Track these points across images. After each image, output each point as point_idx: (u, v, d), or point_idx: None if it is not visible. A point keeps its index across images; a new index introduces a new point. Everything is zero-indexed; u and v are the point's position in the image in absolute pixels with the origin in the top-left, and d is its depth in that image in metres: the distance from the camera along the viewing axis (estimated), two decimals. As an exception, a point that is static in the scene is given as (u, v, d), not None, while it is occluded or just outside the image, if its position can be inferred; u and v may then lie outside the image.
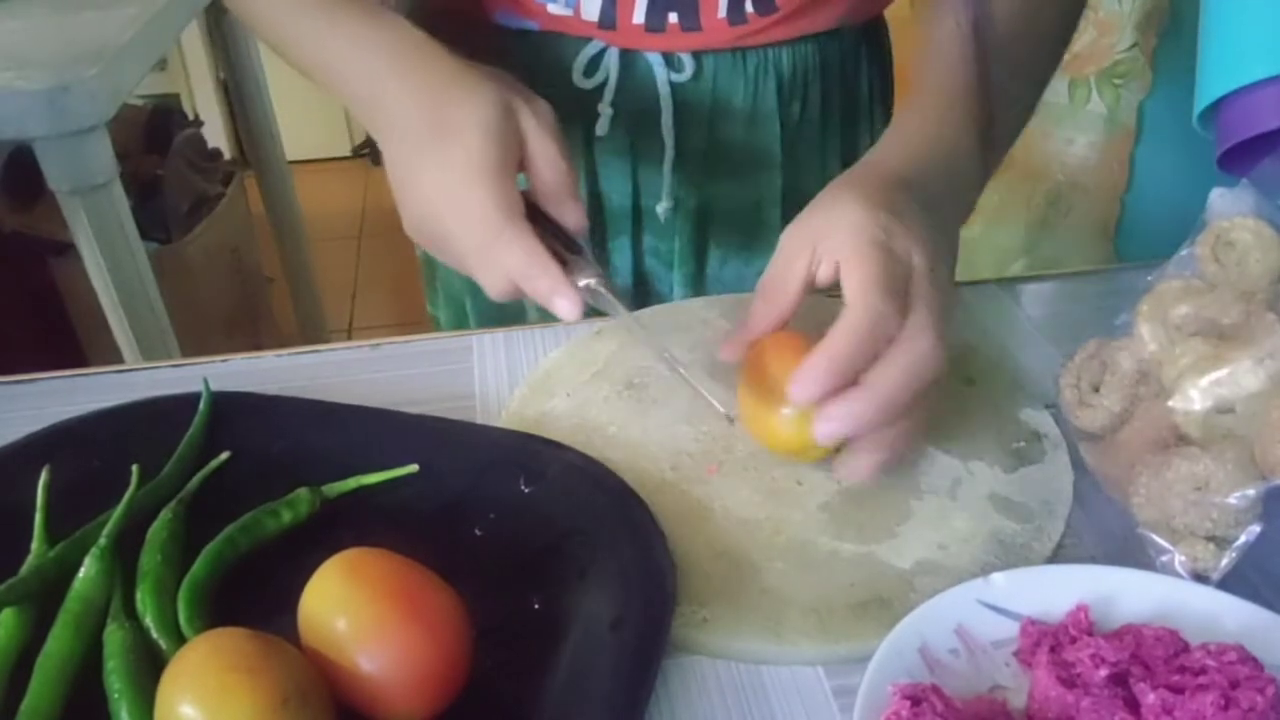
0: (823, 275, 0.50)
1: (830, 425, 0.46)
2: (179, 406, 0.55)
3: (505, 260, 0.51)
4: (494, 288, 0.53)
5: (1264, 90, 0.55)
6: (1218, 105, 0.58)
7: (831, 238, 0.50)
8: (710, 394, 0.53)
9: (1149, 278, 0.53)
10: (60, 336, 1.67)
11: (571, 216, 0.55)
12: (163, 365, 0.64)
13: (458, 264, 0.54)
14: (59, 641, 0.43)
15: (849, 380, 0.46)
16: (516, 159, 0.53)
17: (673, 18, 0.66)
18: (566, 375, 0.61)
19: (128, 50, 1.18)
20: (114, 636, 0.43)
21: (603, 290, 0.53)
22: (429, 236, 0.54)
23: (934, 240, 0.50)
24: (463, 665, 0.41)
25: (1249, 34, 0.57)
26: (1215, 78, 0.57)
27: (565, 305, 0.51)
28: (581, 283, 0.52)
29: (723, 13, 0.66)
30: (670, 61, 0.69)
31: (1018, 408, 0.58)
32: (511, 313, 0.76)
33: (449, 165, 0.51)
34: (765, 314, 0.52)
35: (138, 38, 1.21)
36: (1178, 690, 0.38)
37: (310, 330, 2.16)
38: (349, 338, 2.35)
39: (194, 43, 2.63)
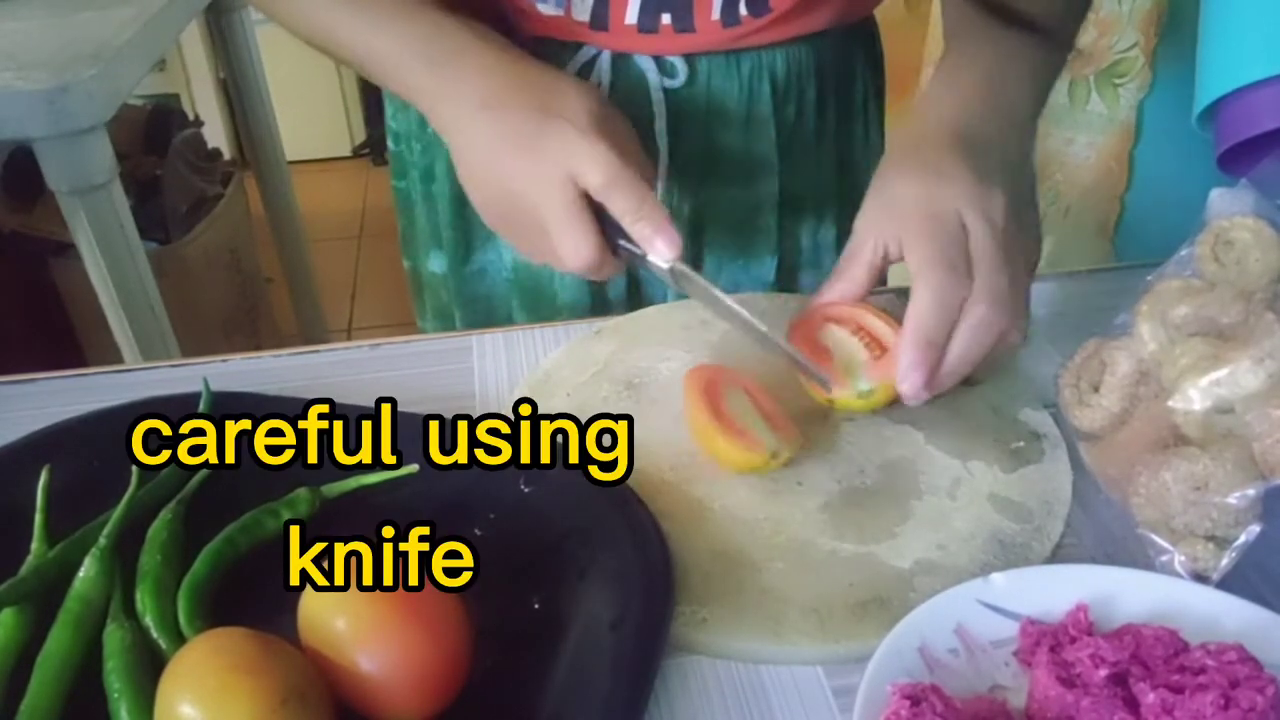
0: (894, 254, 0.55)
1: (910, 389, 0.52)
2: (179, 406, 0.55)
3: (614, 202, 0.53)
4: (578, 252, 0.54)
5: (1263, 90, 0.55)
6: (1217, 105, 0.58)
7: (889, 221, 0.54)
8: (807, 365, 0.55)
9: (1148, 277, 0.53)
10: (60, 336, 1.67)
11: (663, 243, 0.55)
12: (163, 365, 0.64)
13: (533, 235, 0.56)
14: (59, 641, 0.43)
15: (940, 350, 0.52)
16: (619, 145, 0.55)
17: (666, 19, 0.65)
18: (566, 375, 0.61)
19: (127, 51, 1.18)
20: (114, 636, 0.43)
21: (686, 269, 0.55)
22: (506, 209, 0.57)
23: (986, 190, 0.54)
24: (463, 665, 0.41)
25: (1248, 34, 0.57)
26: (1215, 78, 0.58)
27: (665, 245, 0.53)
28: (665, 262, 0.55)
29: (716, 14, 0.65)
30: (663, 66, 0.68)
31: (1017, 408, 0.58)
32: (499, 324, 0.76)
33: (554, 134, 0.54)
34: (838, 289, 0.56)
35: (137, 38, 1.21)
36: (1177, 690, 0.38)
37: (310, 330, 2.16)
38: (348, 338, 2.36)
39: (193, 43, 2.63)
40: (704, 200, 0.74)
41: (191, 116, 2.06)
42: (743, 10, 0.65)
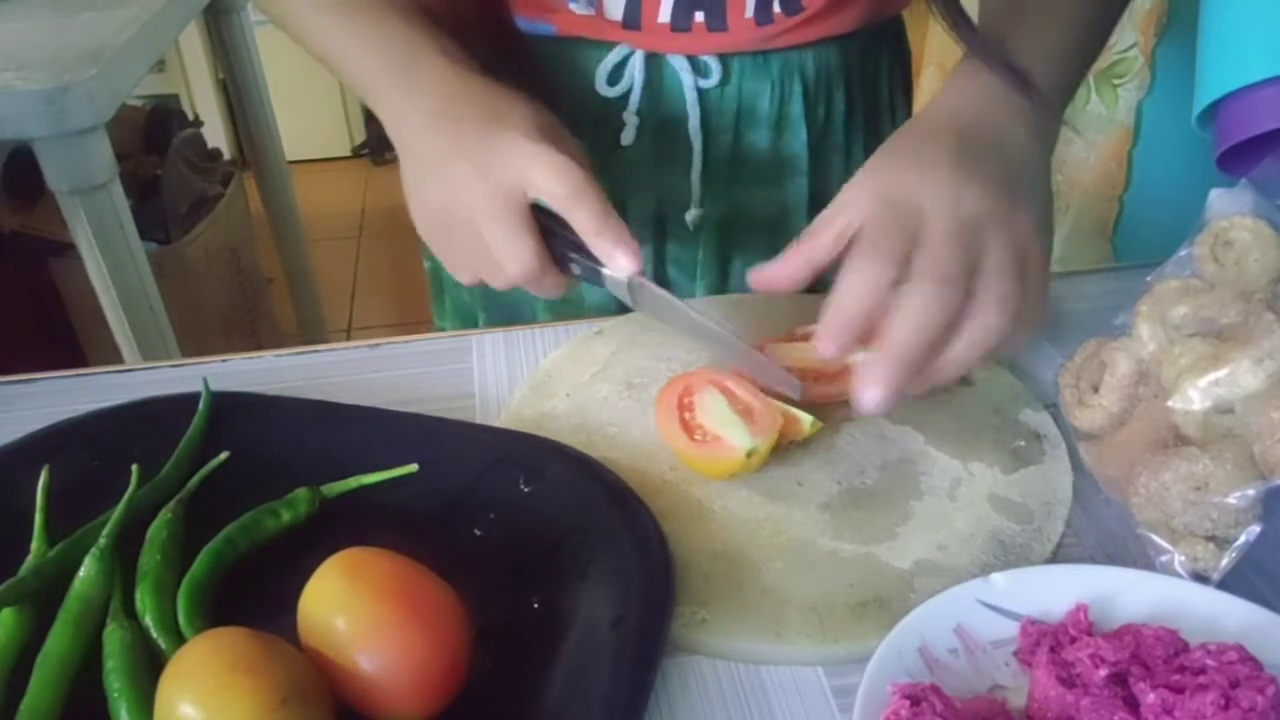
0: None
1: (871, 392, 0.48)
2: (179, 406, 0.55)
3: (576, 216, 0.51)
4: (518, 258, 0.52)
5: (1263, 90, 0.55)
6: (1217, 105, 0.58)
7: (854, 202, 0.51)
8: (773, 372, 0.54)
9: (1148, 278, 0.53)
10: (60, 336, 1.67)
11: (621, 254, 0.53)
12: (163, 365, 0.64)
13: (471, 246, 0.54)
14: (59, 641, 0.43)
15: (865, 328, 0.48)
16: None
17: (699, 17, 0.65)
18: (566, 375, 0.61)
19: (126, 51, 1.18)
20: (114, 636, 0.43)
21: (644, 281, 0.53)
22: (444, 219, 0.55)
23: (962, 179, 0.51)
24: (462, 665, 0.41)
25: (1248, 35, 0.57)
26: (1214, 78, 0.57)
27: (627, 259, 0.51)
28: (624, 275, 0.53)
29: (750, 12, 0.65)
30: (696, 66, 0.68)
31: (1017, 408, 0.58)
32: (522, 323, 0.76)
33: (503, 142, 0.52)
34: (796, 260, 0.52)
35: (136, 38, 1.21)
36: (1178, 690, 0.38)
37: (310, 330, 2.16)
38: (348, 338, 2.35)
39: (193, 43, 2.63)
40: (734, 202, 0.74)
41: (191, 116, 2.07)
42: (776, 8, 0.65)
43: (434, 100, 0.56)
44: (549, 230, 0.53)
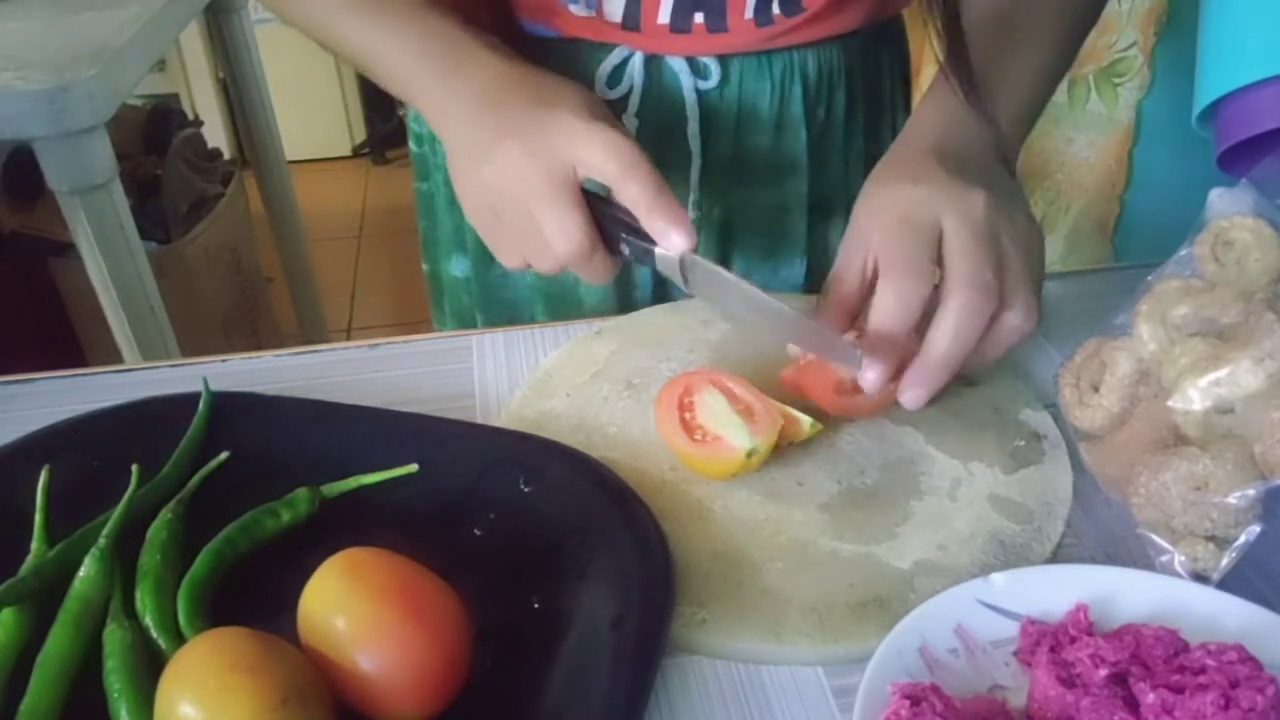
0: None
1: (916, 393, 0.52)
2: (179, 406, 0.55)
3: (629, 191, 0.50)
4: (567, 234, 0.52)
5: (1263, 90, 0.55)
6: (1217, 105, 0.58)
7: (870, 229, 0.53)
8: (838, 345, 0.52)
9: (1148, 278, 0.53)
10: (60, 336, 1.67)
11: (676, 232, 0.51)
12: (163, 365, 0.64)
13: (521, 229, 0.54)
14: (59, 641, 0.43)
15: (900, 350, 0.51)
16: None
17: (698, 18, 0.65)
18: (566, 375, 0.61)
19: (127, 51, 1.18)
20: (114, 636, 0.43)
21: (698, 258, 0.51)
22: (494, 202, 0.54)
23: (964, 190, 0.53)
24: (462, 665, 0.41)
25: (1248, 34, 0.57)
26: (1214, 78, 0.57)
27: (680, 236, 0.50)
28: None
29: (749, 13, 0.65)
30: (696, 68, 0.68)
31: (1017, 408, 0.58)
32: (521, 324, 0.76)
33: (554, 122, 0.52)
34: (831, 309, 0.54)
35: (137, 38, 1.21)
36: (1178, 690, 0.38)
37: (310, 330, 2.16)
38: (348, 338, 2.35)
39: (193, 43, 2.63)
40: (734, 203, 0.74)
41: (191, 116, 2.07)
42: (775, 9, 0.65)
43: (480, 89, 0.56)
44: (599, 212, 0.52)
